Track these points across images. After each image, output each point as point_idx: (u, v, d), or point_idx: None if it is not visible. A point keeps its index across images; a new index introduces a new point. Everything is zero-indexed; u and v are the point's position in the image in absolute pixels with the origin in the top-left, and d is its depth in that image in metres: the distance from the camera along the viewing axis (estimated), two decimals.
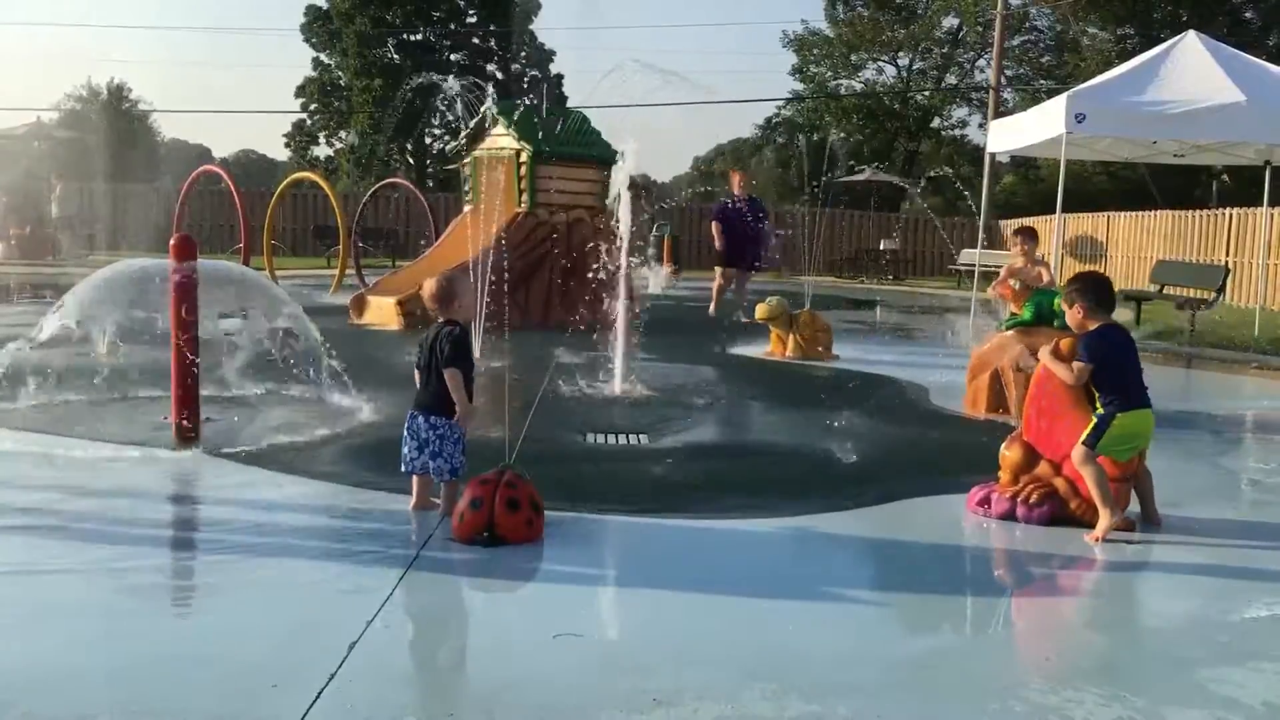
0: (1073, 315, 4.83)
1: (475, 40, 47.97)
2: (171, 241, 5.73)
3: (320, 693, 2.85)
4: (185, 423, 5.67)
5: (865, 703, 2.92)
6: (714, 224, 14.10)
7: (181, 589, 3.91)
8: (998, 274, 8.29)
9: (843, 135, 41.57)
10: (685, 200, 34.42)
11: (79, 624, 3.39)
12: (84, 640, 3.26)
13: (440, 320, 4.56)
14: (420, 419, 4.52)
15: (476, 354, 5.00)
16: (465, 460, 4.53)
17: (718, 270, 14.43)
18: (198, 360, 5.70)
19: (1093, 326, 4.74)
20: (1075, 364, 4.70)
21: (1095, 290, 4.84)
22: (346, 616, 3.39)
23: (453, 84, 11.14)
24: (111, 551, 4.02)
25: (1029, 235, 8.16)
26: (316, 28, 46.38)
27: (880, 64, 47.18)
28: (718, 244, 14.04)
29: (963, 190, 19.86)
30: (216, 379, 7.07)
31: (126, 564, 3.91)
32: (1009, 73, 40.30)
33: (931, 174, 27.55)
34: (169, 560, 4.16)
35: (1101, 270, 24.68)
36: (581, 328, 9.09)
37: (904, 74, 46.96)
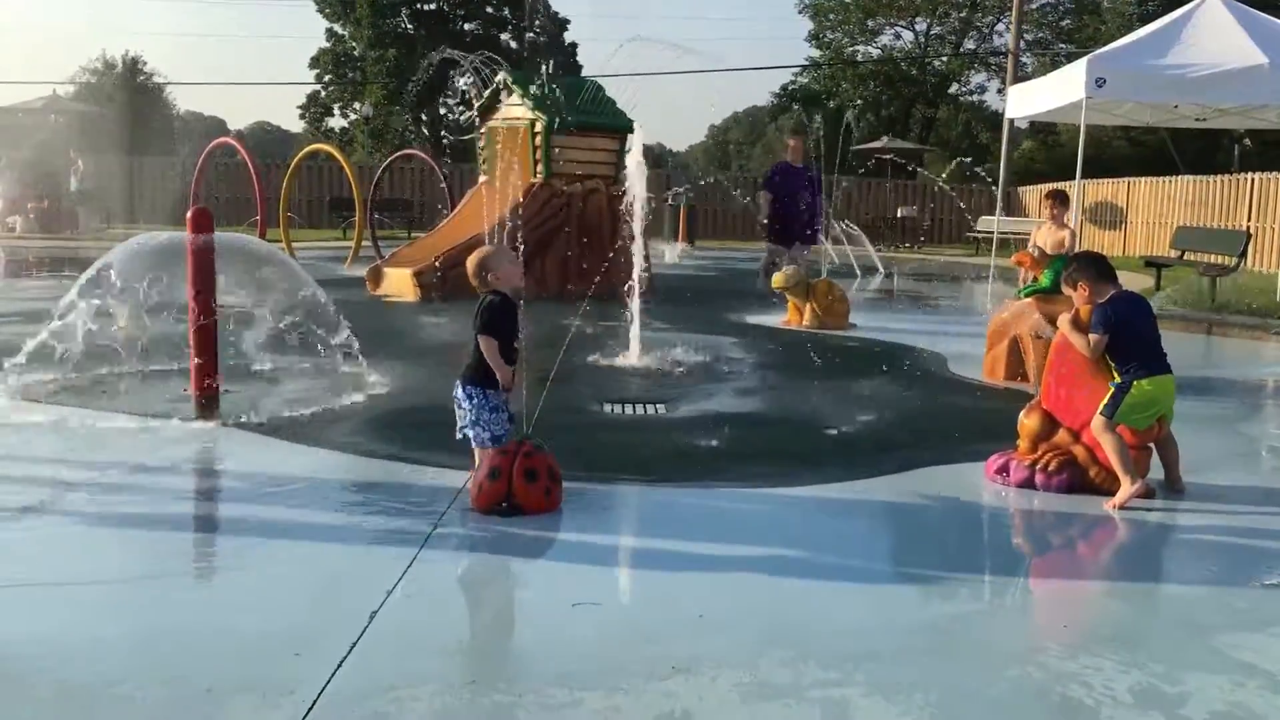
0: (1080, 296, 4.80)
1: (489, 10, 47.74)
2: (188, 214, 5.75)
3: (342, 661, 2.88)
4: (205, 395, 5.70)
5: (883, 670, 2.93)
6: (763, 193, 12.99)
7: (204, 559, 3.95)
8: (1015, 240, 8.28)
9: (858, 103, 41.27)
10: (701, 174, 34.29)
11: (103, 594, 3.43)
12: (109, 610, 3.30)
13: (485, 292, 4.57)
14: (458, 388, 4.55)
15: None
16: (512, 427, 4.49)
17: (776, 249, 12.85)
18: (216, 332, 5.73)
19: (1102, 300, 4.71)
20: (1090, 336, 4.67)
21: (1093, 264, 4.84)
22: (367, 586, 3.42)
23: (466, 61, 11.06)
24: (134, 523, 4.06)
25: (1060, 199, 8.12)
26: None
27: (897, 29, 46.76)
28: (763, 213, 12.88)
29: (971, 167, 19.63)
30: (236, 351, 7.11)
31: (149, 535, 3.95)
32: (1028, 37, 39.87)
33: (957, 159, 27.26)
34: (191, 531, 4.20)
35: (1121, 237, 24.52)
36: (597, 298, 9.08)
37: (921, 39, 46.52)
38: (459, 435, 4.57)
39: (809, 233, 12.91)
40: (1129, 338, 4.66)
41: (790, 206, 12.52)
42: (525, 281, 4.67)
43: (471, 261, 4.64)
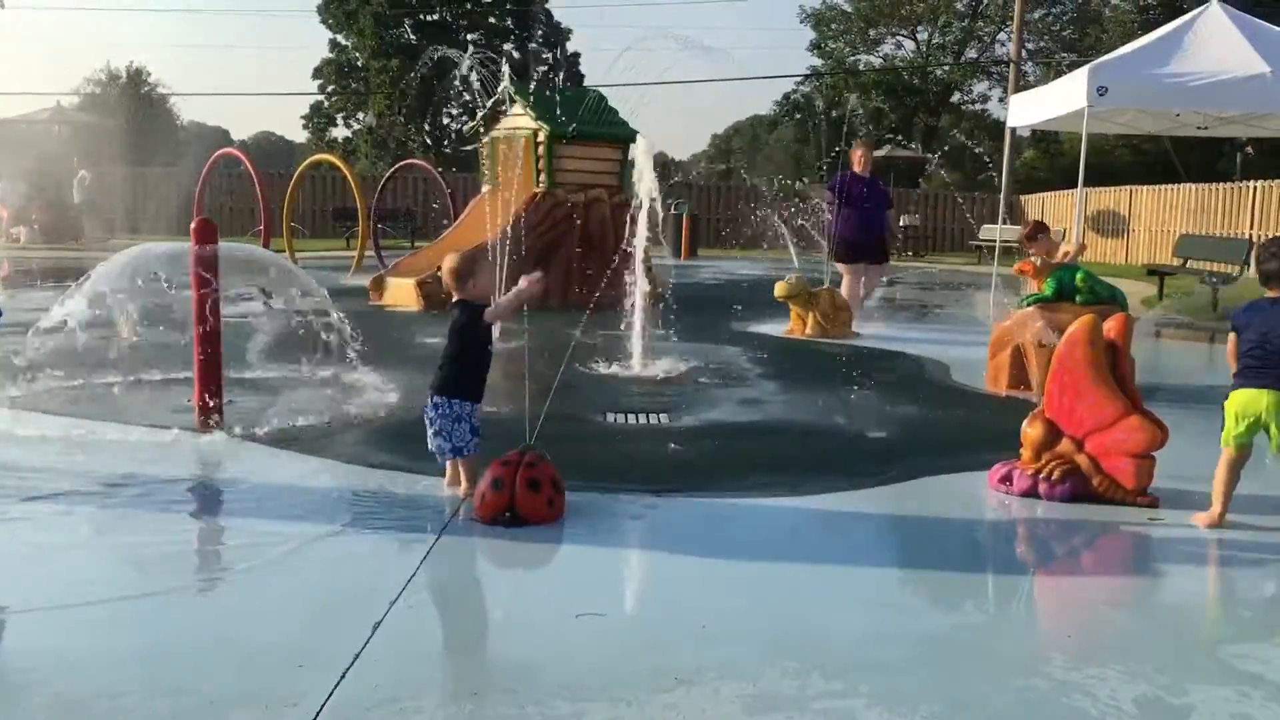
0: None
1: (491, 20, 47.88)
2: (192, 225, 5.76)
3: (345, 672, 2.88)
4: (207, 405, 5.71)
5: (887, 680, 2.92)
6: (827, 192, 11.56)
7: (206, 570, 3.95)
8: (1019, 249, 8.32)
9: (859, 111, 41.30)
10: (704, 178, 34.33)
11: (105, 605, 3.43)
12: (111, 621, 3.30)
13: (456, 299, 4.62)
14: (428, 401, 4.59)
15: (496, 334, 5.00)
16: (474, 439, 4.54)
17: (844, 269, 11.66)
18: (220, 343, 5.73)
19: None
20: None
21: (1262, 258, 4.51)
22: (370, 597, 3.41)
23: (467, 58, 11.06)
24: (135, 533, 4.06)
25: (1036, 234, 8.22)
26: (333, 8, 46.33)
27: (899, 38, 46.85)
28: (822, 199, 11.51)
29: (984, 157, 19.54)
30: (239, 361, 7.11)
31: (150, 546, 3.94)
32: (1030, 46, 39.90)
33: (945, 148, 27.28)
34: (193, 542, 4.20)
35: (1124, 245, 24.50)
36: (600, 308, 9.08)
37: (923, 48, 46.59)
38: (429, 446, 4.60)
39: (879, 251, 11.71)
40: (1243, 344, 4.44)
41: (858, 221, 11.25)
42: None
43: (453, 262, 4.64)
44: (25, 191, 24.28)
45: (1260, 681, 2.98)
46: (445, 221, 16.85)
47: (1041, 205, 29.22)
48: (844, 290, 11.46)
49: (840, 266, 11.68)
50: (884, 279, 11.86)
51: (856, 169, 11.64)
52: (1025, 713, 2.79)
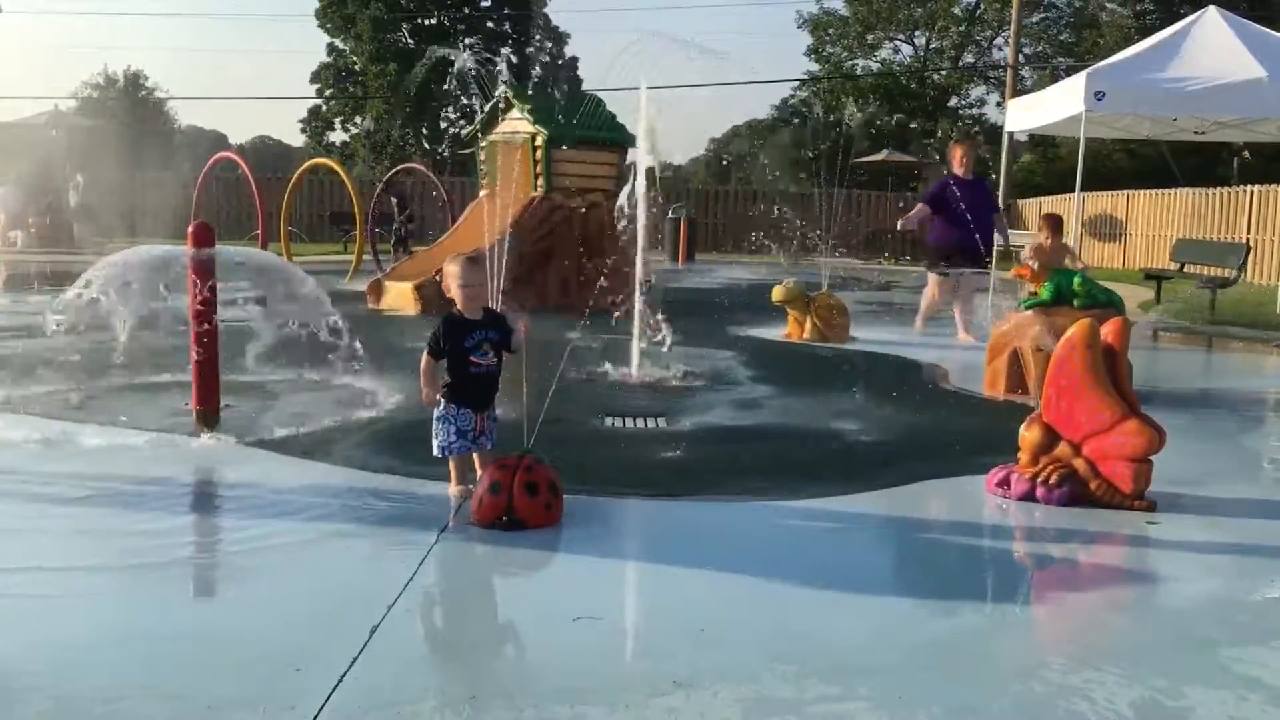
0: None
1: (490, 24, 47.95)
2: (189, 228, 5.76)
3: (343, 676, 2.87)
4: (205, 409, 5.70)
5: (886, 684, 2.92)
6: (920, 206, 10.93)
7: (204, 574, 3.93)
8: (1017, 253, 8.34)
9: (857, 115, 41.36)
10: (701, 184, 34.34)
11: (102, 608, 3.43)
12: (108, 624, 3.29)
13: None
14: None
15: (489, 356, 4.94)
16: (458, 442, 4.53)
17: (931, 279, 11.02)
18: (218, 346, 5.72)
19: None
20: None
21: None
22: (368, 600, 3.41)
23: (465, 58, 11.07)
24: (133, 537, 4.05)
25: (1052, 224, 8.24)
26: (331, 12, 46.39)
27: (896, 43, 46.95)
28: (908, 223, 10.95)
29: (988, 164, 19.47)
30: (236, 365, 7.10)
31: (148, 549, 3.93)
32: (1027, 51, 40.03)
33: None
34: (191, 545, 4.19)
35: (1121, 249, 24.52)
36: (597, 311, 9.08)
37: (921, 53, 46.68)
38: None
39: (982, 260, 10.67)
40: None
41: (961, 229, 10.32)
42: (528, 295, 4.68)
43: (462, 271, 4.61)
44: (21, 196, 24.26)
45: (1258, 684, 2.98)
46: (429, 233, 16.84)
47: (1039, 209, 29.27)
48: (926, 293, 10.98)
49: (932, 277, 10.97)
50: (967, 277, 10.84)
51: (957, 171, 10.67)
52: (1023, 716, 2.79)
